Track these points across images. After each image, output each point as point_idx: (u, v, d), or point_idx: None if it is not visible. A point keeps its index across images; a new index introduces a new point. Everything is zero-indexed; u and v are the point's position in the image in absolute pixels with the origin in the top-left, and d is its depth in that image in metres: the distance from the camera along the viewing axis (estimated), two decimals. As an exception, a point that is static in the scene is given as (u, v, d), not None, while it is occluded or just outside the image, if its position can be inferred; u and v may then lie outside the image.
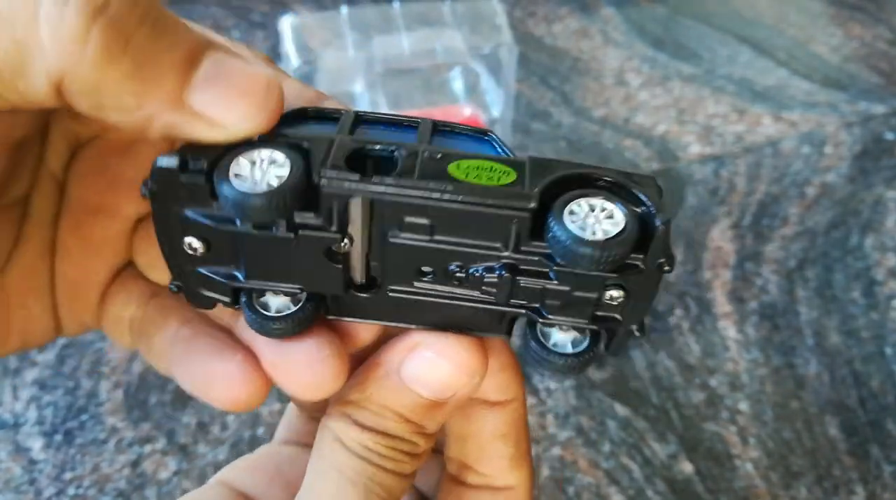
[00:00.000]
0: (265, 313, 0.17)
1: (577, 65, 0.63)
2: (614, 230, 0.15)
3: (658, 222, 0.16)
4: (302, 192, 0.15)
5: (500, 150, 0.18)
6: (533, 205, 0.16)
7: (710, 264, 0.48)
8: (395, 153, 0.16)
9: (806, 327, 0.44)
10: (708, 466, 0.38)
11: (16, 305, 0.19)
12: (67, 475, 0.38)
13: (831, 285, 0.47)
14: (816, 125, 0.58)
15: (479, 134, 0.18)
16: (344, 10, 0.44)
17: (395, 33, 0.43)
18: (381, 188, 0.16)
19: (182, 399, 0.41)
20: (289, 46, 0.42)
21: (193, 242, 0.17)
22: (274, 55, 0.63)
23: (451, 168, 0.16)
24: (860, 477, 0.38)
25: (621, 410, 0.40)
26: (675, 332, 0.44)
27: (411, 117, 0.18)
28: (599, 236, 0.15)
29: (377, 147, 0.16)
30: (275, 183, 0.15)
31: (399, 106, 0.47)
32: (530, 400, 0.41)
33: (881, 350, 0.43)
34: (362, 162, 0.16)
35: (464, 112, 0.47)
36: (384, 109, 0.46)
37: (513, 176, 0.16)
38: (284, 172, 0.15)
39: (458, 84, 0.50)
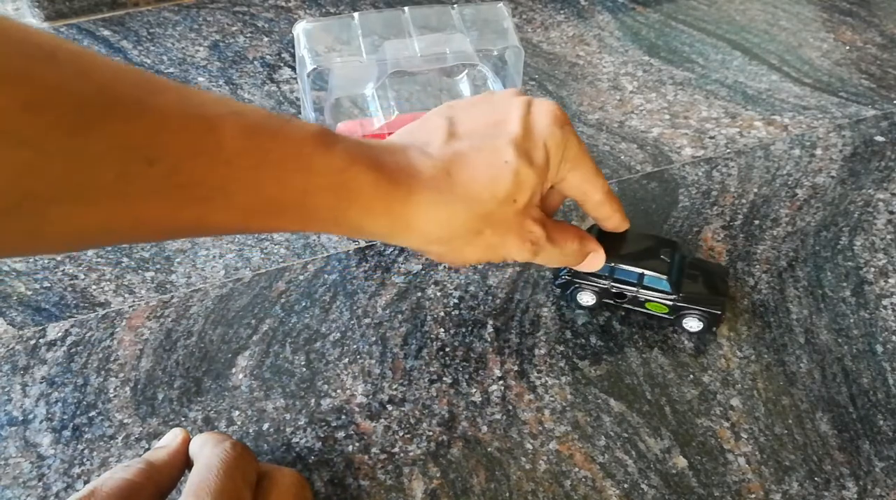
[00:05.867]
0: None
1: (574, 70, 0.64)
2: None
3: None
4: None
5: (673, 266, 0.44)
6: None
7: (702, 263, 0.49)
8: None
9: (797, 326, 0.45)
10: (701, 460, 0.39)
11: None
12: (76, 470, 0.39)
13: (822, 285, 0.48)
14: (807, 128, 0.59)
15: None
16: (356, 15, 0.45)
17: (405, 38, 0.44)
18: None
19: (189, 395, 0.42)
20: (303, 51, 0.43)
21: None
22: (281, 59, 0.64)
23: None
24: (851, 472, 0.39)
25: (616, 405, 0.41)
26: (669, 329, 0.45)
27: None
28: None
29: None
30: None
31: (410, 107, 0.48)
32: (528, 396, 0.42)
33: (871, 348, 0.44)
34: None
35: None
36: (394, 110, 0.47)
37: (665, 309, 0.44)
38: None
39: (464, 86, 0.51)
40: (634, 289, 0.43)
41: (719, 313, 0.43)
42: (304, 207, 0.31)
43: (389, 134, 0.46)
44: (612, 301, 0.44)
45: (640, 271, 0.42)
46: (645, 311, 0.44)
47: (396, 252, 0.50)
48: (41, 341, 0.44)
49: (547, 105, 0.37)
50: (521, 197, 0.35)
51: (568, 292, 0.45)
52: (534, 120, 0.36)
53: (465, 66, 0.48)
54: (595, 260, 0.41)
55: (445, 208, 0.34)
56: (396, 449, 0.40)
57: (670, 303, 0.43)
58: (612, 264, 0.42)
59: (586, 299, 0.44)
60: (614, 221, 0.42)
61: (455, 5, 0.46)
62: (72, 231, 0.26)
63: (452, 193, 0.34)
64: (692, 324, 0.43)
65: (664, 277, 0.42)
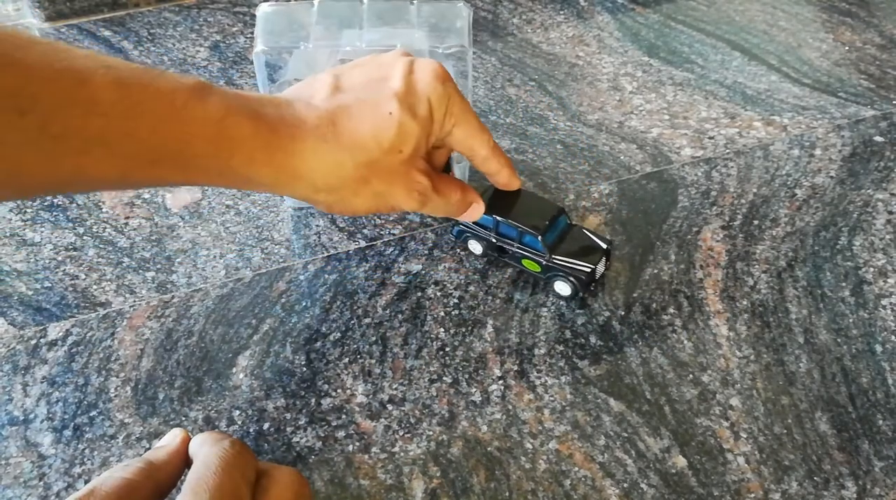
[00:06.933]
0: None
1: (574, 70, 0.64)
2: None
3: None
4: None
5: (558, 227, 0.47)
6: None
7: (701, 263, 0.49)
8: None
9: (796, 325, 0.45)
10: (700, 460, 0.39)
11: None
12: (77, 470, 0.39)
13: (821, 285, 0.48)
14: (806, 128, 0.59)
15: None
16: (315, 2, 0.46)
17: (360, 28, 0.45)
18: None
19: (189, 395, 0.42)
20: (258, 31, 0.45)
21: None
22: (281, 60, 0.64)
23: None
24: (850, 472, 0.39)
25: (616, 405, 0.41)
26: (668, 329, 0.45)
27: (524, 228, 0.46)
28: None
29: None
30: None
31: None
32: (527, 396, 0.42)
33: (871, 348, 0.44)
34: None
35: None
36: None
37: (538, 268, 0.47)
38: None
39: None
40: (514, 245, 0.47)
41: (584, 278, 0.45)
42: (184, 156, 0.32)
43: None
44: (495, 254, 0.48)
45: (519, 228, 0.45)
46: (522, 267, 0.48)
47: (396, 252, 0.50)
48: (42, 340, 0.45)
49: (429, 63, 0.39)
50: (406, 147, 0.37)
51: (461, 239, 0.49)
52: (416, 77, 0.38)
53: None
54: (475, 210, 0.44)
55: (331, 156, 0.35)
56: (396, 449, 0.40)
57: (542, 262, 0.46)
58: (498, 220, 0.46)
59: (475, 247, 0.49)
60: (503, 176, 0.45)
61: (415, 1, 0.47)
62: None
63: (338, 142, 0.35)
64: (561, 287, 0.46)
65: (539, 237, 0.45)
